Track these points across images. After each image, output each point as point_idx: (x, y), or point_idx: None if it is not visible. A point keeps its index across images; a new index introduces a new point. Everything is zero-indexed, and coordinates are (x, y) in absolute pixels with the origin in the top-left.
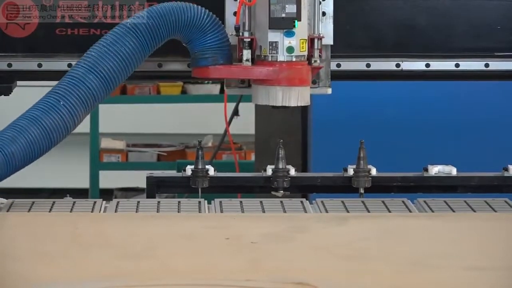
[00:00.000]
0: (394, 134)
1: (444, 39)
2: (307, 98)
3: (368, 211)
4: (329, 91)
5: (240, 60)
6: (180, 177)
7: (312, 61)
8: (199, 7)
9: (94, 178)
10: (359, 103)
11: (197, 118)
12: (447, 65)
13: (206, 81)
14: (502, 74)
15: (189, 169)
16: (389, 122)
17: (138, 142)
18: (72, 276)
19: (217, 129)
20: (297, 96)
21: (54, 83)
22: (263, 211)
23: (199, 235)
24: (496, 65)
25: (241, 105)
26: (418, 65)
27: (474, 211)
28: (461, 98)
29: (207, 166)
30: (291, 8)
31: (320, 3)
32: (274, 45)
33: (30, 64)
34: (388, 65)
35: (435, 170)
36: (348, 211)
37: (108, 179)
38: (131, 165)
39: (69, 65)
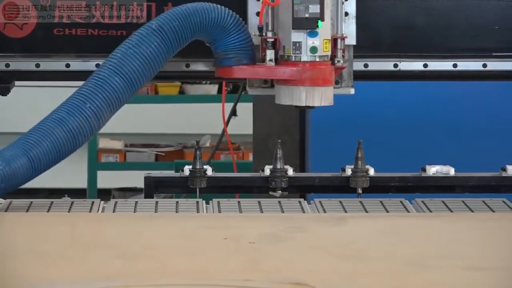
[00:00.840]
0: (392, 134)
1: (442, 39)
2: (330, 98)
3: (366, 211)
4: (352, 91)
5: (263, 60)
6: (178, 177)
7: (335, 61)
8: (223, 7)
9: (92, 178)
10: (357, 103)
11: (195, 118)
12: (445, 65)
13: (204, 81)
14: (500, 74)
15: (187, 169)
16: (387, 122)
17: (136, 142)
18: (71, 276)
19: (215, 129)
20: (320, 96)
21: (52, 83)
22: (261, 211)
23: (197, 235)
24: (494, 65)
25: (239, 105)
26: (416, 65)
27: (472, 211)
28: (459, 98)
29: (205, 166)
30: (314, 8)
31: (343, 3)
32: (297, 45)
33: (28, 64)
34: (386, 65)
35: (433, 170)
36: (346, 211)
37: (106, 179)
38: (129, 165)
39: (67, 65)
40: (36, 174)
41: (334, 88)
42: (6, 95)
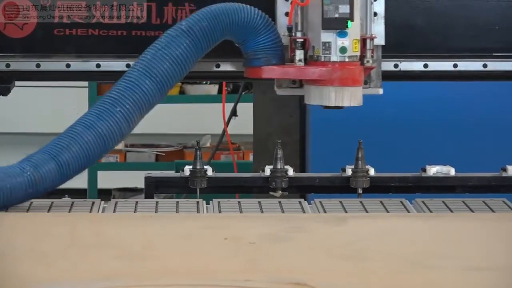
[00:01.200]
0: (392, 134)
1: (442, 40)
2: (359, 98)
3: (366, 212)
4: (381, 91)
5: (292, 60)
6: (178, 177)
7: (365, 61)
8: (252, 7)
9: (92, 178)
10: None
11: (195, 118)
12: (445, 65)
13: (204, 81)
14: (500, 75)
15: (187, 170)
16: (387, 122)
17: (136, 142)
18: (71, 277)
19: (215, 129)
20: (349, 96)
21: (53, 83)
22: (261, 212)
23: (197, 235)
24: (494, 65)
25: (239, 105)
26: (416, 65)
27: (473, 211)
28: (459, 98)
29: (205, 167)
30: (344, 9)
31: (372, 3)
32: (327, 45)
33: (28, 65)
34: (386, 65)
35: (433, 170)
36: (346, 212)
37: (107, 180)
38: (129, 166)
39: (68, 65)
40: (64, 179)
41: (363, 88)
42: (7, 95)
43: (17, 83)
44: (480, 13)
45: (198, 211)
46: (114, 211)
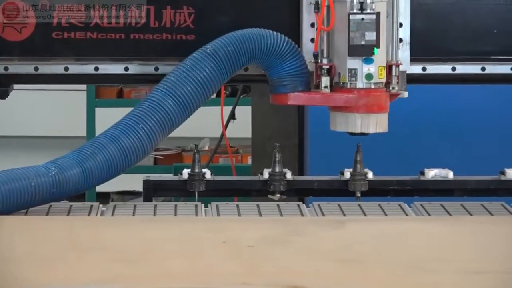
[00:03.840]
0: (391, 137)
1: (441, 43)
2: (385, 125)
3: (365, 215)
4: (406, 94)
5: (317, 86)
6: (176, 180)
7: (390, 88)
8: (278, 34)
9: None
10: None
11: (194, 121)
12: (444, 68)
13: None
14: (499, 78)
15: (185, 173)
16: None
17: None
18: (69, 280)
19: (214, 132)
20: (375, 123)
21: (51, 86)
22: (260, 215)
23: (196, 238)
24: (493, 68)
25: (237, 108)
26: (414, 68)
27: (471, 215)
28: (458, 101)
29: (203, 170)
30: (370, 36)
31: (397, 29)
32: (353, 72)
33: (26, 68)
34: None
35: (431, 173)
36: (344, 215)
37: (105, 183)
38: (128, 169)
39: (66, 69)
40: (88, 185)
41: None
42: (5, 99)
43: (15, 86)
44: (479, 16)
45: (196, 214)
46: (113, 214)
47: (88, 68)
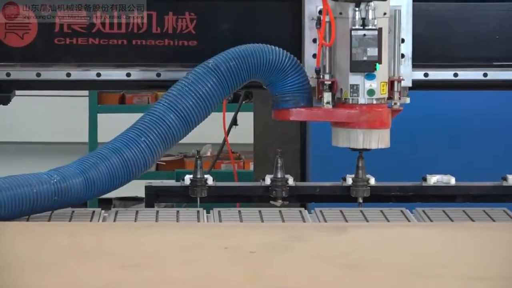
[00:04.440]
0: (393, 143)
1: (443, 49)
2: (387, 140)
3: (367, 221)
4: (407, 100)
5: (319, 101)
6: (178, 186)
7: (392, 103)
8: (281, 49)
9: None
10: None
11: (196, 127)
12: (446, 74)
13: None
14: (501, 84)
15: (187, 179)
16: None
17: None
18: (70, 286)
19: (216, 138)
20: (377, 139)
21: (53, 92)
22: (262, 221)
23: (197, 244)
24: (494, 74)
25: (239, 114)
26: (416, 74)
27: (473, 221)
28: (460, 107)
29: (205, 176)
30: (372, 51)
31: (399, 45)
32: (355, 88)
33: (28, 74)
34: None
35: (433, 179)
36: (346, 221)
37: None
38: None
39: (68, 74)
40: (89, 195)
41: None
42: (7, 104)
43: (17, 92)
44: (481, 22)
45: (198, 220)
46: (115, 220)
47: (90, 74)
